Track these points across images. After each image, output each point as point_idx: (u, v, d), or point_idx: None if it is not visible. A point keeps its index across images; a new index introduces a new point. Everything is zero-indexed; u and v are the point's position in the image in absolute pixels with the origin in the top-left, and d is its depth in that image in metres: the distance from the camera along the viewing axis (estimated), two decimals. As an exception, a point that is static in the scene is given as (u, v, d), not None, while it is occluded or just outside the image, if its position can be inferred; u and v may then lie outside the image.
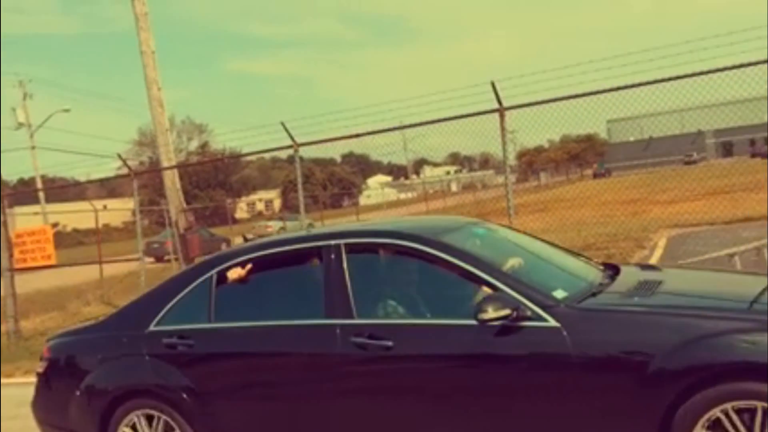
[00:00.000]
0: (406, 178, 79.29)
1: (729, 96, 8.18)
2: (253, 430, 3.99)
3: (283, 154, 10.59)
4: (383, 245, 3.98)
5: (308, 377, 3.78)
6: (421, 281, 3.93)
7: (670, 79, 7.72)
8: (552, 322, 3.28)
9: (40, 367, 4.71)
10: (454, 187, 63.19)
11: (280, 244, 4.33)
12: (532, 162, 66.91)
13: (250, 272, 4.21)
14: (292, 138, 9.95)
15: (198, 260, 5.08)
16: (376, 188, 65.16)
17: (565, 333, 3.23)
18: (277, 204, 68.04)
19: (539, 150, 71.81)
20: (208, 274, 4.27)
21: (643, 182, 25.86)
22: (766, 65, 6.87)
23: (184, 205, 12.11)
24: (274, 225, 35.97)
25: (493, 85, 8.13)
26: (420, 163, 79.10)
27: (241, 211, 67.10)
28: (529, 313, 3.33)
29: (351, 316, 3.72)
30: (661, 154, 56.43)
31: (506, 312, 3.28)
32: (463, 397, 3.43)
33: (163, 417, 4.16)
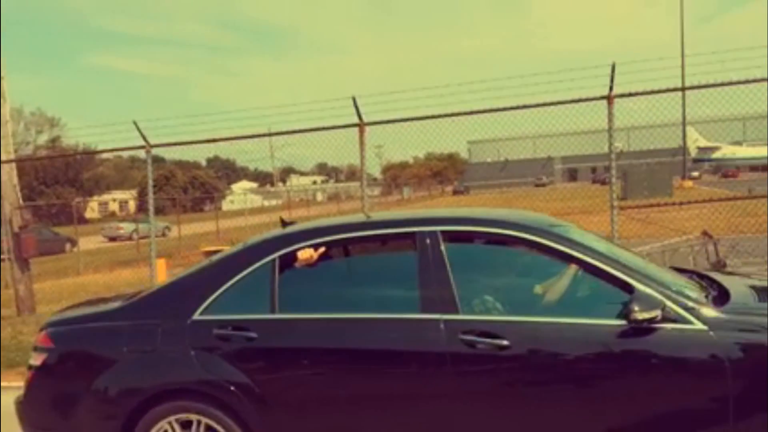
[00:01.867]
0: (272, 185, 78.32)
1: (575, 127, 8.91)
2: None
3: (143, 154, 10.11)
4: (488, 234, 3.61)
5: (404, 378, 3.35)
6: (527, 275, 3.66)
7: (525, 107, 8.30)
8: (699, 325, 3.16)
9: (36, 358, 3.91)
10: (320, 197, 63.32)
11: (360, 227, 3.88)
12: (396, 176, 68.64)
13: (322, 257, 3.71)
14: (144, 138, 9.57)
15: (251, 240, 4.05)
16: (240, 194, 63.82)
17: (713, 335, 3.13)
18: (132, 205, 64.62)
19: (404, 165, 73.89)
20: (269, 258, 3.71)
21: (498, 201, 27.36)
22: (605, 101, 7.57)
23: (21, 202, 11.30)
24: (126, 227, 34.15)
25: (354, 100, 8.35)
26: (287, 172, 78.56)
27: (92, 210, 63.05)
28: (672, 314, 3.18)
29: (455, 311, 3.38)
30: (516, 175, 60.10)
31: (655, 313, 3.10)
32: (599, 401, 3.18)
33: (205, 421, 3.53)
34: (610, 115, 7.54)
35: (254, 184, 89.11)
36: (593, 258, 3.37)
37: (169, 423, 3.58)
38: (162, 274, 10.80)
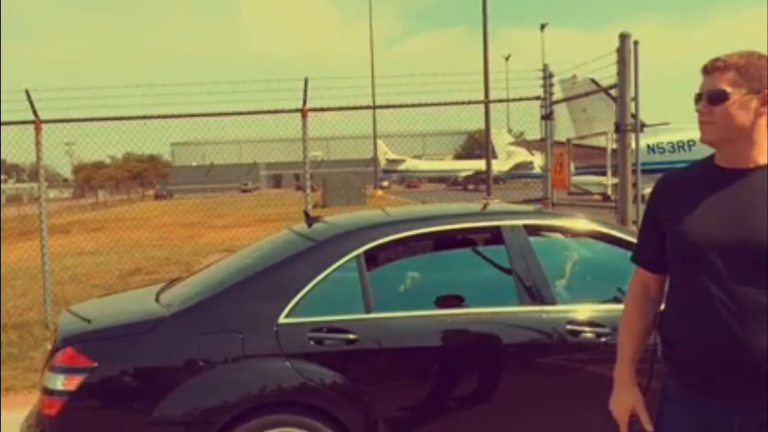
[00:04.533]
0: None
1: (278, 134, 9.15)
2: None
3: None
4: (563, 229, 3.78)
5: (513, 372, 3.34)
6: (605, 269, 3.81)
7: (223, 114, 8.29)
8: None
9: (67, 381, 3.12)
10: (-5, 199, 55.05)
11: (444, 220, 3.76)
12: (90, 178, 63.07)
13: (408, 250, 3.66)
14: None
15: (318, 234, 3.69)
16: None
17: None
18: None
19: (99, 166, 68.19)
20: (354, 253, 3.42)
21: (202, 206, 26.85)
22: (300, 113, 7.92)
23: None
24: None
25: (27, 94, 7.52)
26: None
27: None
28: None
29: (553, 302, 3.43)
30: (221, 180, 59.53)
31: None
32: None
33: None
34: (305, 127, 7.91)
35: None
36: None
37: None
38: None
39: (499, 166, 42.75)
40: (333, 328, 3.30)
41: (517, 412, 3.33)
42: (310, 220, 4.07)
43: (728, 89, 1.89)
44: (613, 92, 7.06)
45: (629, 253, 2.31)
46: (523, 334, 3.40)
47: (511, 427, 3.36)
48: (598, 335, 3.36)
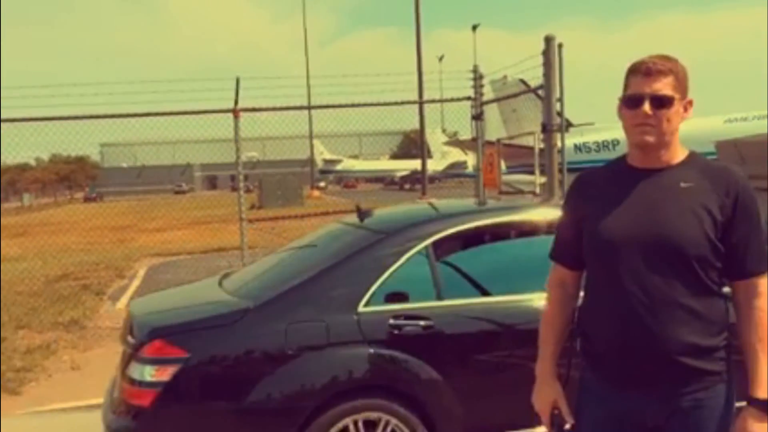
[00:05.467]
0: None
1: (213, 135, 9.01)
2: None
3: None
4: None
5: None
6: None
7: (161, 114, 8.11)
8: None
9: (158, 372, 3.25)
10: None
11: (501, 212, 4.15)
12: (14, 181, 60.35)
13: (470, 240, 3.90)
14: None
15: (387, 226, 3.98)
16: None
17: None
18: None
19: (24, 168, 65.30)
20: (424, 244, 3.66)
21: (134, 209, 26.07)
22: (231, 114, 7.82)
23: None
24: None
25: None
26: None
27: None
28: None
29: None
30: (154, 182, 57.99)
31: None
32: None
33: (393, 421, 3.33)
34: (236, 127, 7.82)
35: None
36: None
37: (353, 421, 3.32)
38: None
39: (435, 165, 43.21)
40: (410, 315, 3.48)
41: None
42: (362, 214, 4.23)
43: (673, 95, 1.96)
44: (540, 93, 7.26)
45: None
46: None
47: None
48: None
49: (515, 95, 9.99)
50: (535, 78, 7.17)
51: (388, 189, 55.27)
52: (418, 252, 3.67)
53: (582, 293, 2.20)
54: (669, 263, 1.93)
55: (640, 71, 1.97)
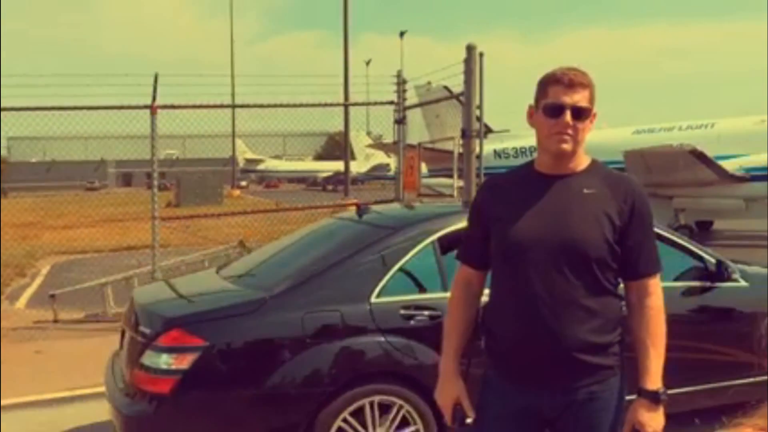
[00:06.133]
0: None
1: (129, 131, 8.70)
2: None
3: None
4: None
5: None
6: None
7: (73, 108, 7.80)
8: (743, 283, 4.28)
9: (177, 360, 3.33)
10: None
11: None
12: None
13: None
14: None
15: (395, 221, 4.22)
16: None
17: (751, 290, 4.30)
18: None
19: None
20: (431, 239, 3.87)
21: (41, 205, 24.80)
22: (149, 110, 7.57)
23: None
24: None
25: None
26: None
27: None
28: (734, 276, 4.29)
29: None
30: (64, 178, 55.42)
31: (736, 275, 4.28)
32: (690, 344, 3.95)
33: (406, 407, 3.53)
34: (153, 124, 7.60)
35: None
36: (678, 238, 4.42)
37: (369, 402, 3.50)
38: None
39: (358, 167, 43.35)
40: (419, 306, 3.69)
41: None
42: (361, 211, 4.50)
43: (590, 107, 2.04)
44: (462, 99, 7.40)
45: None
46: None
47: None
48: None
49: (437, 101, 10.16)
50: (459, 85, 7.31)
51: (310, 190, 55.00)
52: (426, 246, 3.88)
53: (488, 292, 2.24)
54: (572, 265, 2.01)
55: (562, 82, 2.03)
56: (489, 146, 17.49)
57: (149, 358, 3.43)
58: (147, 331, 3.54)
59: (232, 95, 10.36)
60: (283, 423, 3.46)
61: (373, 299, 3.65)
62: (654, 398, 2.04)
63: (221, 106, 8.62)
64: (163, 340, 3.42)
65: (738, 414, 0.65)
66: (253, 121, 9.80)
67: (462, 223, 4.05)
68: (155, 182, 7.75)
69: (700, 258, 4.32)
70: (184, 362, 3.36)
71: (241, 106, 8.99)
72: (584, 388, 2.04)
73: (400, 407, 3.54)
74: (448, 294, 3.73)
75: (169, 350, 3.39)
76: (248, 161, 63.69)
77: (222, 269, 4.46)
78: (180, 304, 3.95)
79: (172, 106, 7.86)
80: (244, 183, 60.84)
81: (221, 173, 42.43)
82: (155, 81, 7.46)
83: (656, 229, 4.83)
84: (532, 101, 2.14)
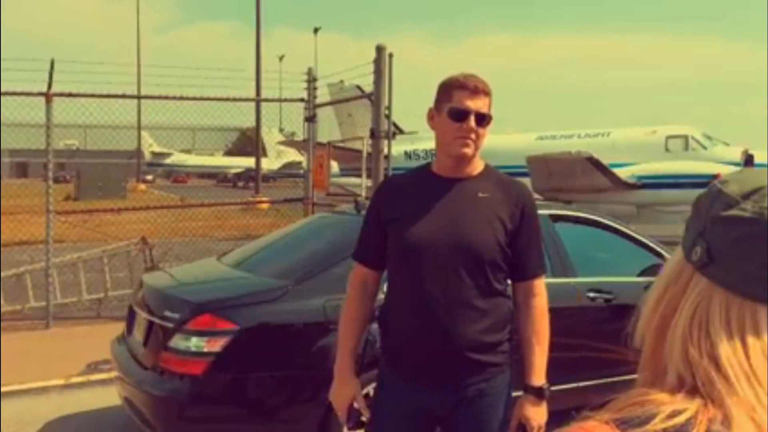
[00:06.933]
0: None
1: (24, 118, 8.23)
2: None
3: None
4: (577, 218, 4.86)
5: (559, 327, 3.71)
6: (590, 246, 4.88)
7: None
8: None
9: (209, 344, 3.50)
10: None
11: None
12: None
13: None
14: None
15: None
16: None
17: None
18: None
19: None
20: None
21: None
22: (43, 98, 7.20)
23: None
24: None
25: None
26: None
27: None
28: None
29: (575, 275, 4.41)
30: (-50, 166, 51.46)
31: None
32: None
33: None
34: (48, 112, 7.22)
35: None
36: (639, 236, 4.88)
37: None
38: None
39: (270, 164, 42.73)
40: None
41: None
42: (359, 206, 4.58)
43: (490, 114, 2.12)
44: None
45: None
46: (554, 298, 4.32)
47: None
48: (605, 300, 4.38)
49: (348, 100, 10.20)
50: (370, 84, 7.36)
51: (220, 186, 53.75)
52: None
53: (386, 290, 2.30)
54: (466, 267, 2.08)
55: (467, 88, 2.08)
56: (400, 147, 17.71)
57: (178, 342, 3.62)
58: (175, 316, 3.69)
59: (138, 85, 10.01)
60: (308, 402, 3.62)
61: (386, 287, 3.89)
62: (539, 394, 2.15)
63: (123, 96, 8.28)
64: (193, 324, 3.61)
65: (588, 408, 0.72)
66: (161, 114, 9.46)
67: None
68: (50, 173, 7.36)
69: (660, 254, 4.70)
70: (216, 345, 3.55)
71: (146, 97, 8.69)
72: (474, 385, 2.11)
73: None
74: None
75: (200, 334, 3.59)
76: (155, 155, 61.46)
77: (223, 258, 4.74)
78: (206, 290, 4.20)
79: (70, 94, 7.50)
80: (150, 177, 58.67)
81: (126, 166, 40.72)
82: (51, 67, 7.11)
83: (624, 228, 5.00)
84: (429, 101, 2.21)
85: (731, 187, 0.75)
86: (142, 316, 4.05)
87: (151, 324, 3.90)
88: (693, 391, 0.69)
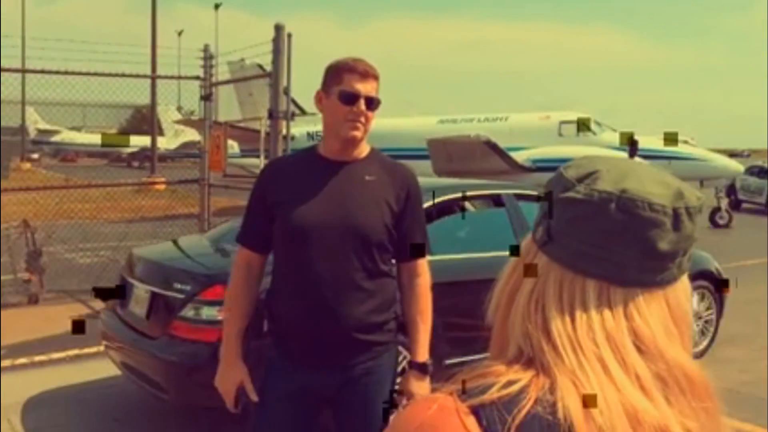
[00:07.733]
0: None
1: None
2: None
3: None
4: (536, 197, 3.81)
5: None
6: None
7: None
8: None
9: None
10: None
11: (467, 188, 4.92)
12: None
13: (445, 209, 4.62)
14: None
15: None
16: None
17: None
18: None
19: None
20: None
21: None
22: None
23: None
24: None
25: None
26: None
27: None
28: None
29: None
30: None
31: None
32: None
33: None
34: None
35: None
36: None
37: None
38: None
39: (166, 144, 41.18)
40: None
41: None
42: None
43: (379, 98, 2.12)
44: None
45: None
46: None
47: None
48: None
49: (247, 79, 9.96)
50: (270, 63, 7.22)
51: (114, 165, 51.29)
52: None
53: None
54: (354, 249, 2.11)
55: (357, 71, 2.09)
56: (303, 128, 17.54)
57: (190, 311, 3.75)
58: (186, 287, 3.81)
59: (23, 59, 9.35)
60: None
61: None
62: (422, 369, 2.22)
63: (9, 70, 7.73)
64: (206, 294, 3.73)
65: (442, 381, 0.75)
66: (48, 89, 8.90)
67: (451, 195, 4.64)
68: None
69: None
70: None
71: (28, 71, 8.14)
72: (361, 364, 2.15)
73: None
74: (436, 257, 4.06)
75: (212, 304, 3.66)
76: (41, 132, 57.79)
77: (209, 233, 4.99)
78: (211, 262, 4.36)
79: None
80: (35, 155, 55.10)
81: (9, 144, 38.04)
82: None
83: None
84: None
85: (570, 172, 0.80)
86: (142, 288, 4.12)
87: (154, 296, 3.98)
88: (529, 363, 0.75)
